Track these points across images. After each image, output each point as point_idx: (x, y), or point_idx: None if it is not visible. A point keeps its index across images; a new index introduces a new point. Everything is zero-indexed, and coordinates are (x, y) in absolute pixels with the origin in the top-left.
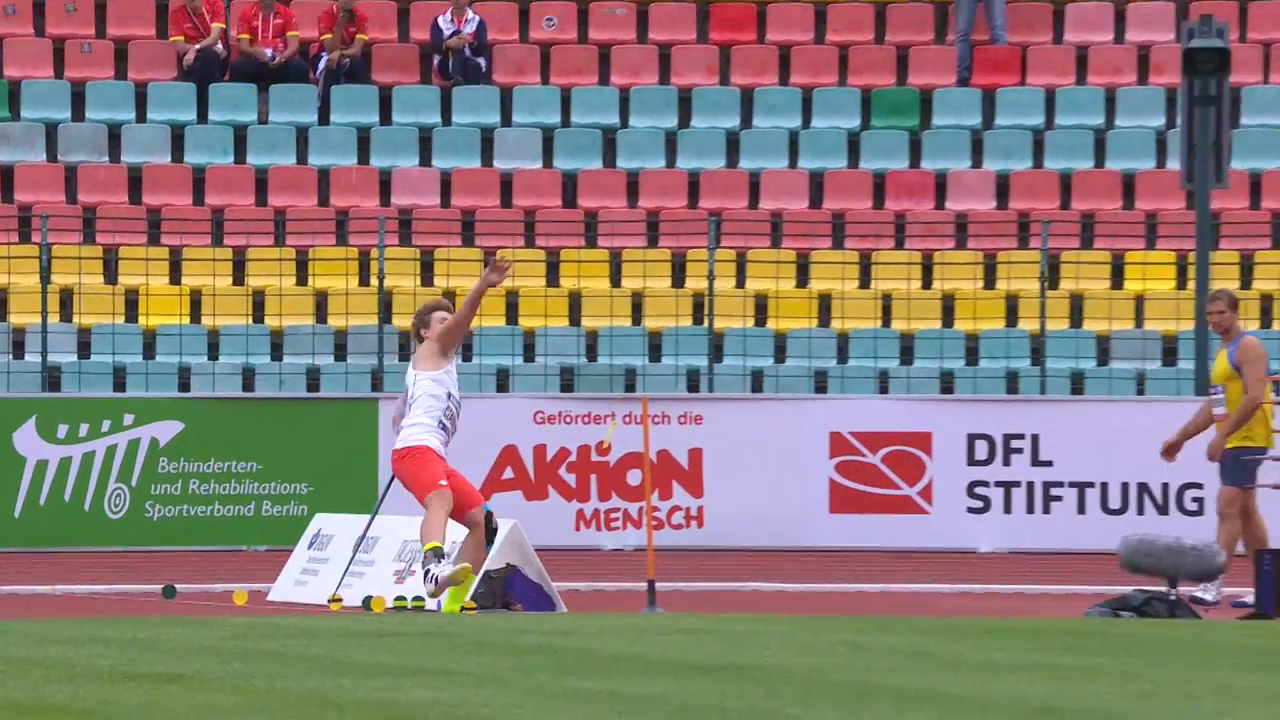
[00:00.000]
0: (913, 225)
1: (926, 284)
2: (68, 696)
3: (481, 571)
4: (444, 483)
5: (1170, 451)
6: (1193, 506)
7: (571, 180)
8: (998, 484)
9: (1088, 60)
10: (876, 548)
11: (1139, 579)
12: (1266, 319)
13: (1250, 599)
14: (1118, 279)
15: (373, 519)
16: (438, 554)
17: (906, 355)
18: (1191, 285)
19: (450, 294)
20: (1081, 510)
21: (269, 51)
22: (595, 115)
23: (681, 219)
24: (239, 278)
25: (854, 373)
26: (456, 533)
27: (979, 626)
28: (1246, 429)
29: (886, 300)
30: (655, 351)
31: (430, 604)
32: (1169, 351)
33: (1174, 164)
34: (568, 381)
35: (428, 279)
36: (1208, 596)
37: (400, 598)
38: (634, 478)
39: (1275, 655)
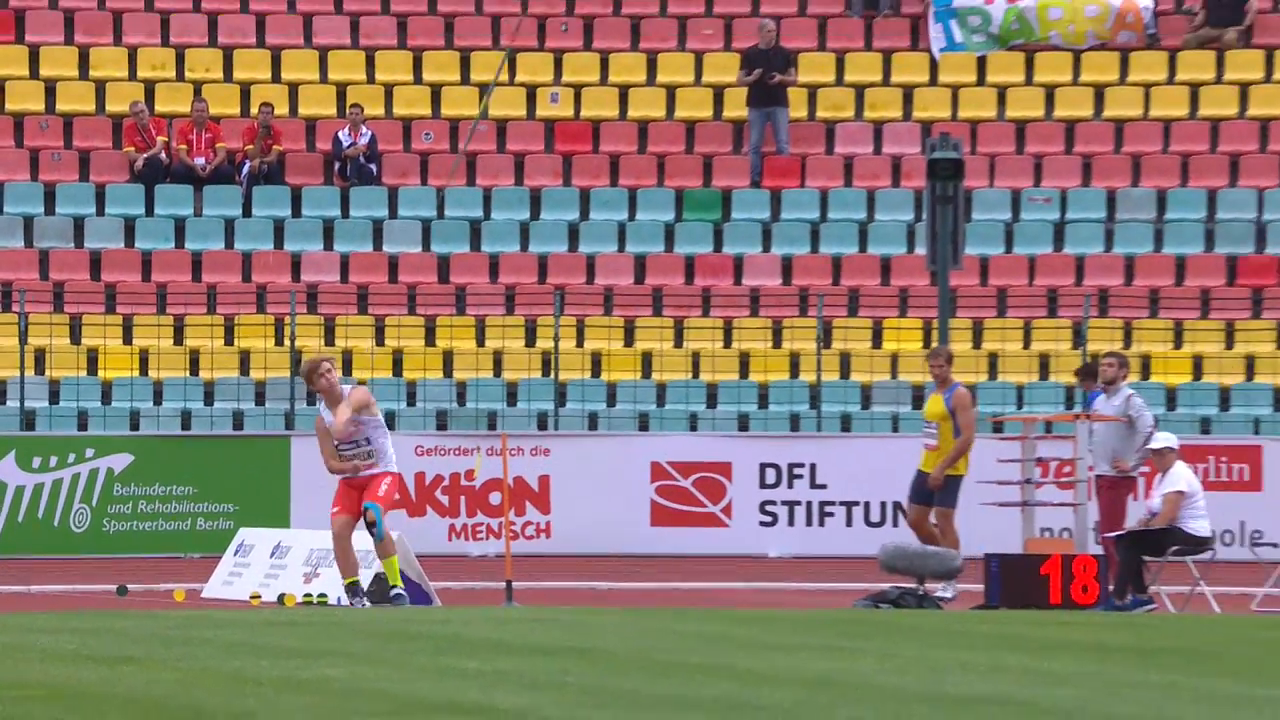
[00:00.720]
0: (716, 298)
1: (727, 344)
2: (39, 674)
3: (373, 573)
4: (335, 509)
5: (935, 483)
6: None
7: (445, 262)
8: (784, 503)
9: (853, 168)
10: (688, 554)
11: (894, 578)
12: (993, 373)
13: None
14: (877, 341)
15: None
16: (353, 589)
17: (711, 401)
18: (935, 346)
19: (348, 352)
20: (849, 524)
21: (202, 160)
22: (464, 210)
23: (533, 293)
24: (178, 340)
25: (670, 414)
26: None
27: (768, 616)
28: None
29: (695, 357)
30: (512, 398)
31: (332, 600)
32: (917, 399)
33: (921, 250)
34: (442, 422)
35: (330, 340)
36: (947, 594)
37: (308, 594)
38: (495, 498)
39: (1002, 638)
